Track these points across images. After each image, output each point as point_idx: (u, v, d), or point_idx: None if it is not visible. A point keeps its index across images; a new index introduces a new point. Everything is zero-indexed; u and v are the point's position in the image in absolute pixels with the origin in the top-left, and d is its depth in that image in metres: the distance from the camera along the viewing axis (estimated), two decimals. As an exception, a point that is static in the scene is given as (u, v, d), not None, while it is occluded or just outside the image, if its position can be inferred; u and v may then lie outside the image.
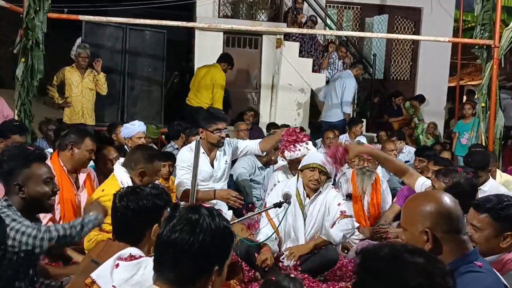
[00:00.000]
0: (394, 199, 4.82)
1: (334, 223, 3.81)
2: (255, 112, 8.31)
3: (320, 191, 3.89)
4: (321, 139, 7.30)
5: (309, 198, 3.89)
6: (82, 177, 3.81)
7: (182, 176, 4.19)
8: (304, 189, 3.90)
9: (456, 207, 1.84)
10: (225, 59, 7.67)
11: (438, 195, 1.90)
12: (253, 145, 4.55)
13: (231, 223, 3.93)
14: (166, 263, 1.48)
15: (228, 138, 4.61)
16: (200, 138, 4.27)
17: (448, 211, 1.80)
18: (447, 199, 1.84)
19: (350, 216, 3.89)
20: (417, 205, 1.84)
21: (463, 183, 3.01)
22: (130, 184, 3.33)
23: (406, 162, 6.32)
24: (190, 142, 4.94)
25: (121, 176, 3.40)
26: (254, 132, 7.59)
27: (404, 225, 1.88)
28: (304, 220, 3.87)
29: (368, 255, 1.29)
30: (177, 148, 5.91)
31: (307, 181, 3.85)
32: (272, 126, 7.56)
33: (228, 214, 4.53)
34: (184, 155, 4.26)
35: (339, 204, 3.85)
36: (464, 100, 11.08)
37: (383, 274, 1.23)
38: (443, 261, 1.34)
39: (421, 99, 9.88)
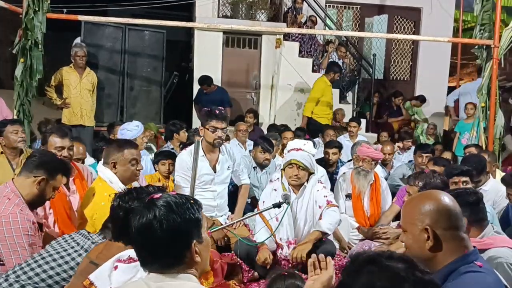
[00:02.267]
0: (394, 199, 4.81)
1: (321, 214, 3.88)
2: (255, 113, 8.21)
3: (305, 186, 3.93)
4: (318, 138, 7.30)
5: (296, 194, 3.93)
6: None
7: (180, 185, 4.21)
8: (289, 186, 3.94)
9: (455, 205, 1.85)
10: (330, 68, 7.97)
11: (436, 193, 1.91)
12: (238, 180, 4.57)
13: (230, 222, 3.96)
14: (147, 258, 1.57)
15: (235, 152, 4.57)
16: (201, 138, 4.25)
17: (446, 208, 1.82)
18: (445, 197, 1.86)
19: (336, 206, 3.99)
20: (416, 204, 1.85)
21: (433, 181, 3.26)
22: (116, 180, 3.29)
23: (409, 161, 6.32)
24: (191, 142, 4.93)
25: (106, 175, 3.33)
26: (255, 133, 7.56)
27: (404, 225, 1.88)
28: (294, 216, 3.90)
29: (353, 257, 1.34)
30: (172, 149, 5.91)
31: (288, 178, 3.91)
32: (272, 128, 7.52)
33: (229, 214, 4.52)
34: (182, 161, 4.22)
35: (325, 196, 3.93)
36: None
37: (358, 274, 1.26)
38: (428, 270, 1.32)
39: (422, 99, 9.87)
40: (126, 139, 3.83)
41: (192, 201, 1.63)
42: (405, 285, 1.21)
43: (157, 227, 1.52)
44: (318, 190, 3.96)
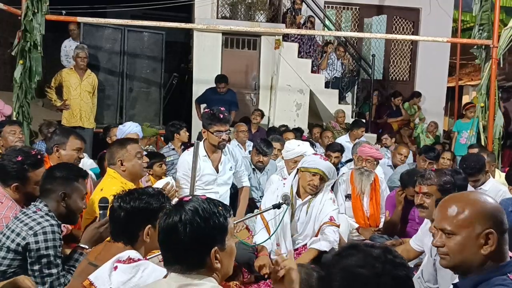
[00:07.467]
0: (387, 212, 4.71)
1: (320, 228, 3.72)
2: (261, 113, 8.09)
3: (314, 196, 3.77)
4: (320, 140, 7.29)
5: (301, 200, 3.79)
6: None
7: (181, 185, 4.16)
8: (298, 189, 3.81)
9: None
10: None
11: (481, 195, 1.75)
12: (239, 182, 4.55)
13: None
14: (170, 259, 1.64)
15: (237, 153, 4.55)
16: (204, 139, 4.24)
17: (502, 210, 1.67)
18: (490, 198, 1.73)
19: (338, 225, 3.77)
20: (468, 204, 1.69)
21: (449, 178, 3.15)
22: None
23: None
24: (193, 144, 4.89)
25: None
26: (259, 133, 7.54)
27: (452, 229, 1.69)
28: (291, 220, 3.77)
29: (343, 245, 1.53)
30: (173, 149, 5.90)
31: (305, 183, 3.74)
32: (272, 130, 7.50)
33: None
34: (184, 161, 4.19)
35: (328, 213, 3.74)
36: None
37: (340, 257, 1.45)
38: (401, 256, 1.45)
39: (417, 95, 9.89)
40: (125, 138, 3.80)
41: (221, 207, 1.67)
42: (376, 263, 1.38)
43: (181, 230, 1.59)
44: (326, 200, 3.78)
